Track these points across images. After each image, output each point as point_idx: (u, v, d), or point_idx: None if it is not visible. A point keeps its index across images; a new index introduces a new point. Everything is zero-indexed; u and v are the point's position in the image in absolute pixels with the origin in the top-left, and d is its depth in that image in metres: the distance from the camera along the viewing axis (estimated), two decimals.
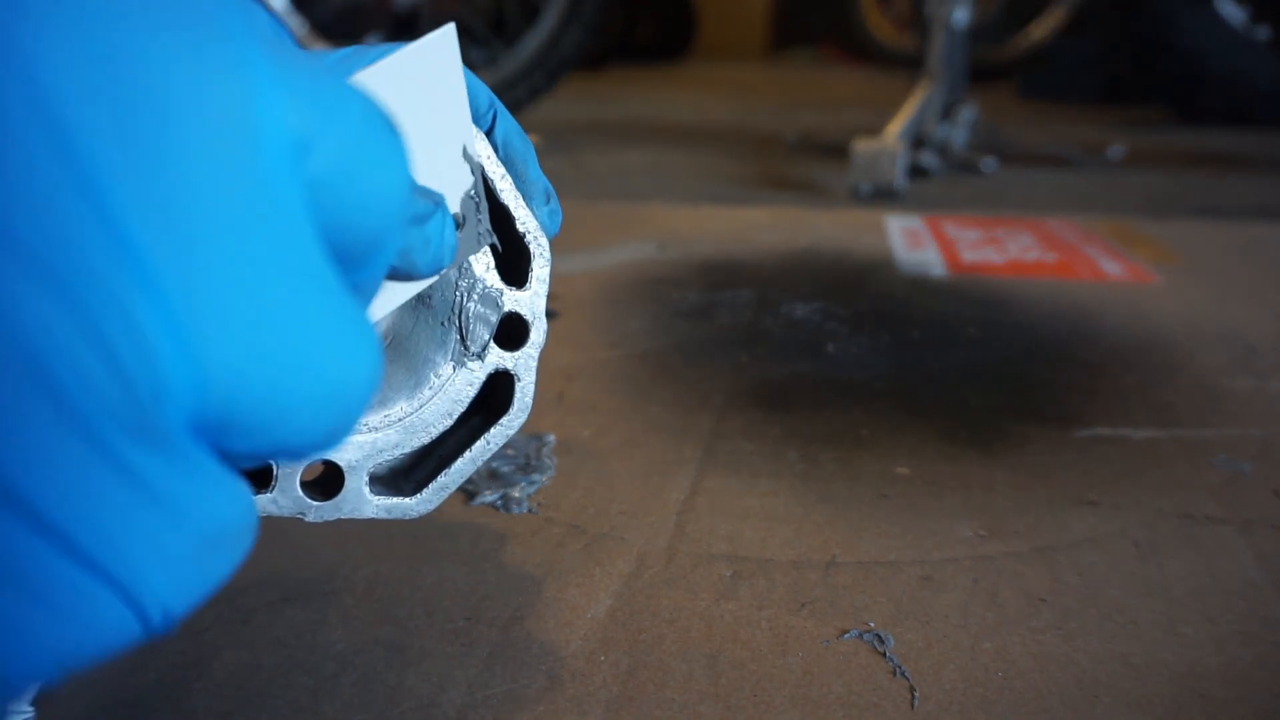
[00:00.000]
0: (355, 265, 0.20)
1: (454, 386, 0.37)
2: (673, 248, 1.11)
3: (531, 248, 0.37)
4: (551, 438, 0.61)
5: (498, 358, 0.38)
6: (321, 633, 0.42)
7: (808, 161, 1.81)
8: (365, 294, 0.22)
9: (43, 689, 0.35)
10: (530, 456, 0.58)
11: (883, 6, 4.04)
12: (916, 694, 0.39)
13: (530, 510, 0.53)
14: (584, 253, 1.08)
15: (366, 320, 0.20)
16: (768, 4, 5.22)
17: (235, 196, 0.17)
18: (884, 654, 0.41)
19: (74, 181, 0.16)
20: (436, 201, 0.27)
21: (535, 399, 0.38)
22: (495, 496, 0.54)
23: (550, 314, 0.38)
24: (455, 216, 0.31)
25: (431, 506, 0.38)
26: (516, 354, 0.38)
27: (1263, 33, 2.38)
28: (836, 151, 1.76)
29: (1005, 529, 0.51)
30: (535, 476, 0.56)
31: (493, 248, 0.37)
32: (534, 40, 1.94)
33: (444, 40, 0.29)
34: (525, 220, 0.37)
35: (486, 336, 0.37)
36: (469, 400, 0.38)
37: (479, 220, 0.32)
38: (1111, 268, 1.04)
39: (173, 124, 0.16)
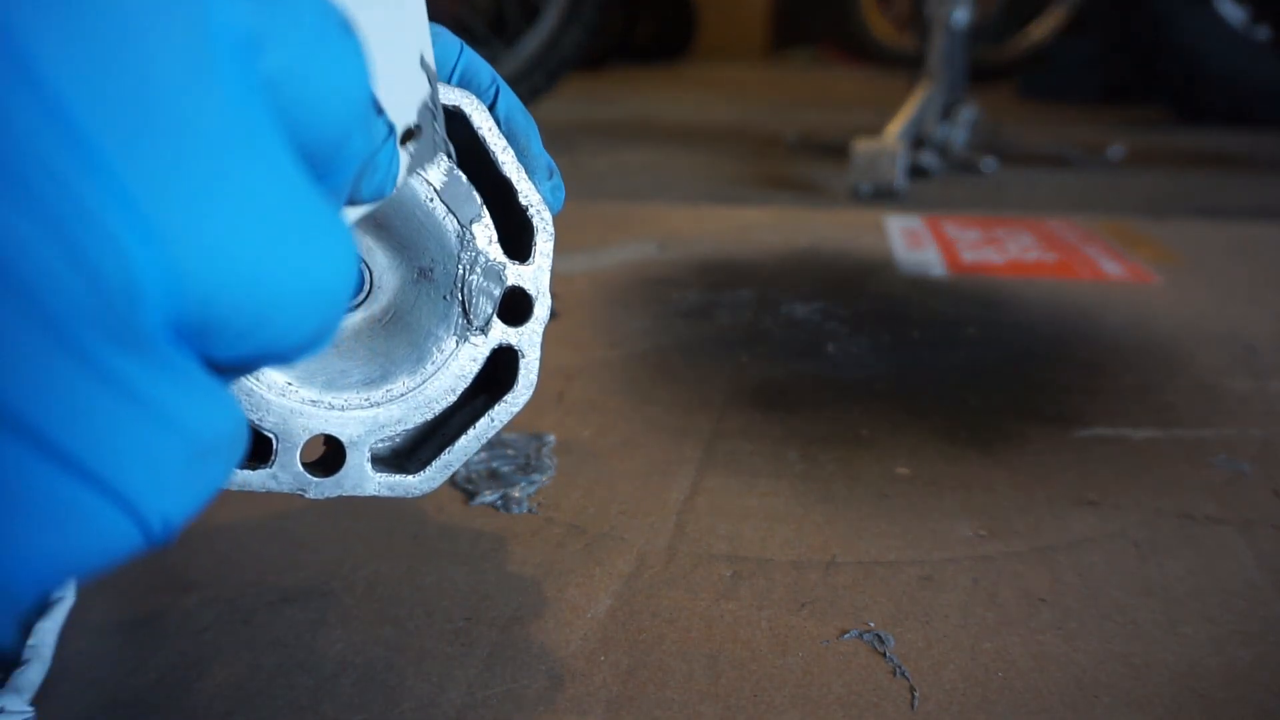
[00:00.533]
0: (321, 171, 0.20)
1: (457, 362, 0.37)
2: (673, 248, 1.11)
3: (534, 221, 0.37)
4: (551, 438, 0.61)
5: (501, 333, 0.37)
6: (321, 633, 0.42)
7: (808, 161, 1.81)
8: (335, 201, 0.22)
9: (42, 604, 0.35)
10: (530, 456, 0.58)
11: (883, 6, 4.04)
12: (916, 694, 0.39)
13: (530, 510, 0.53)
14: (584, 253, 1.08)
15: (340, 217, 0.20)
16: (768, 4, 5.22)
17: (192, 93, 0.17)
18: (884, 654, 0.41)
19: (30, 89, 0.16)
20: (390, 128, 0.27)
21: (535, 398, 0.38)
22: (495, 496, 0.54)
23: (550, 314, 0.38)
24: (411, 126, 0.31)
25: (434, 485, 0.37)
26: (520, 329, 0.37)
27: (1263, 33, 2.38)
28: (836, 151, 1.76)
29: (1005, 529, 0.51)
30: (535, 476, 0.56)
31: (496, 222, 0.36)
32: (534, 40, 1.94)
33: None
34: (528, 194, 0.36)
35: (490, 310, 0.37)
36: (472, 375, 0.37)
37: (435, 129, 0.32)
38: (1111, 268, 1.04)
39: (125, 25, 0.16)
